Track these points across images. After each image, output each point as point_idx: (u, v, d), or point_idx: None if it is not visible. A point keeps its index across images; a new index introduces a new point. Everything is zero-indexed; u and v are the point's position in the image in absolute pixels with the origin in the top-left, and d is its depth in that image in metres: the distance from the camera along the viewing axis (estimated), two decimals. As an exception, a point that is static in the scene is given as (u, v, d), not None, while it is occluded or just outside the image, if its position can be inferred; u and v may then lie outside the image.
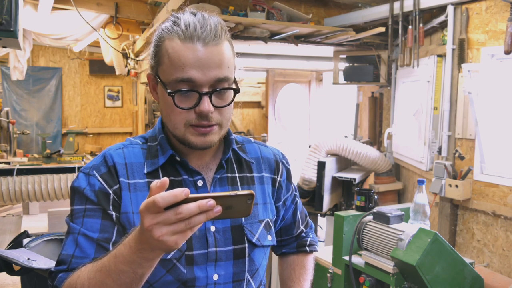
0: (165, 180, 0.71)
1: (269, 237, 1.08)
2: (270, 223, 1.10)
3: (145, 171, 0.99)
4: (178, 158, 1.00)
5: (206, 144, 0.96)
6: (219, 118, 0.95)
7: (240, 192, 0.73)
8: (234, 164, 1.09)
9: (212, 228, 1.00)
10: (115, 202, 0.96)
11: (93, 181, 0.96)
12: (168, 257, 0.95)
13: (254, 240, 1.04)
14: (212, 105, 0.93)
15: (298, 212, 1.27)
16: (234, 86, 0.96)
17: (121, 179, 0.97)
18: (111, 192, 0.96)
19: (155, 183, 0.71)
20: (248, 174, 1.10)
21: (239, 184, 1.07)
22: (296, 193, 1.25)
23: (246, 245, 1.03)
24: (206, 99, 0.92)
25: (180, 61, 0.91)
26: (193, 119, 0.93)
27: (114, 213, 0.95)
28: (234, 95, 0.97)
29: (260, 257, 1.07)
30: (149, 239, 0.71)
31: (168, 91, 0.92)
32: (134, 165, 1.00)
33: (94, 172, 0.97)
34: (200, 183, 1.01)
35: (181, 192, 0.69)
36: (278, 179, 1.16)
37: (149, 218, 0.70)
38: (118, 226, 0.95)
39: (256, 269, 1.06)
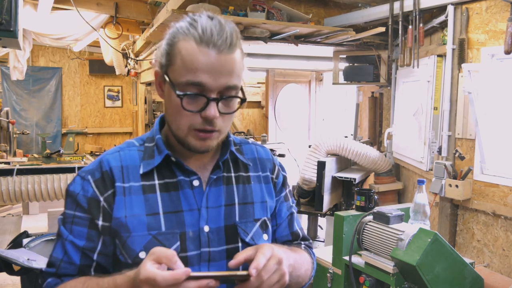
0: (173, 254, 0.81)
1: (265, 236, 1.08)
2: (267, 222, 1.10)
3: (141, 172, 1.00)
4: (173, 159, 1.01)
5: (205, 148, 0.98)
6: (221, 124, 0.97)
7: (239, 272, 0.84)
8: (231, 164, 1.09)
9: (206, 228, 1.00)
10: (105, 210, 0.98)
11: (87, 186, 0.99)
12: None
13: (247, 240, 1.04)
14: (218, 111, 0.94)
15: (295, 223, 1.20)
16: (241, 95, 0.98)
17: (117, 184, 0.99)
18: (101, 199, 0.98)
19: (164, 253, 0.81)
20: (244, 174, 1.10)
21: (234, 183, 1.07)
22: (293, 205, 1.21)
23: (240, 244, 1.03)
24: (213, 105, 0.93)
25: (193, 64, 0.91)
26: (198, 124, 0.94)
27: (101, 223, 0.97)
28: (241, 104, 0.99)
29: None
30: None
31: (177, 92, 0.93)
32: (130, 168, 1.01)
33: (89, 177, 0.99)
34: (196, 183, 1.02)
35: (183, 273, 0.77)
36: (275, 179, 1.16)
37: None
38: (104, 237, 0.98)
39: None
